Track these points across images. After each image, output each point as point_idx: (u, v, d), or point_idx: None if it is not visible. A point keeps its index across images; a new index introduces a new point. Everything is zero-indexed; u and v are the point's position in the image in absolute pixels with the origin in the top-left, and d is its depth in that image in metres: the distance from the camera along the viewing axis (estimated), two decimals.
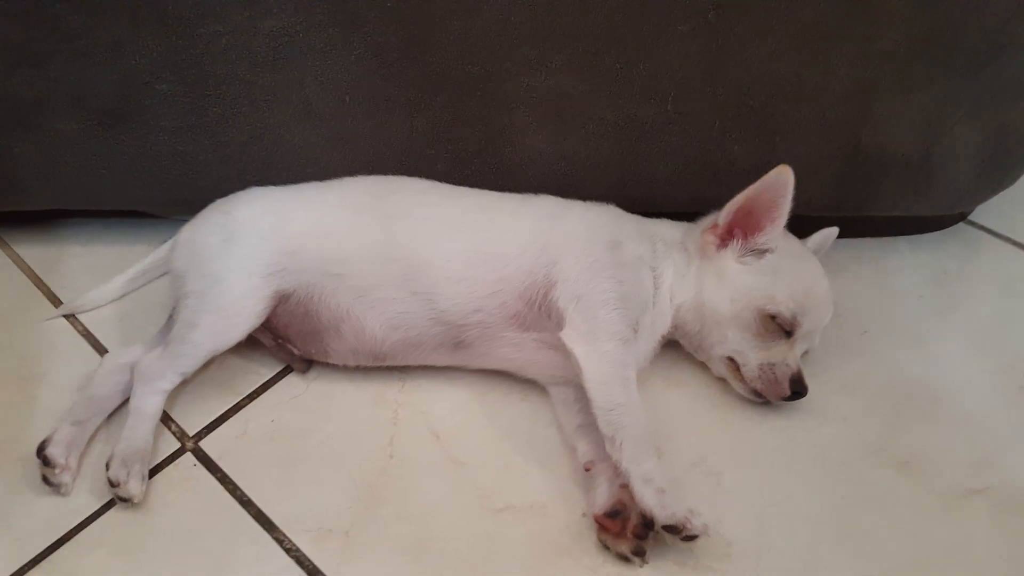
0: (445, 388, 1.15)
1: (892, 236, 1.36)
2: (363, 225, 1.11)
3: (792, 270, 1.08)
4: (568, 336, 1.03)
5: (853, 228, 1.34)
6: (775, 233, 1.06)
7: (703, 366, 1.16)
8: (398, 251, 1.09)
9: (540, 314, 1.07)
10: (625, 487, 0.96)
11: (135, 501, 1.00)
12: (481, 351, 1.10)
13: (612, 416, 0.98)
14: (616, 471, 0.97)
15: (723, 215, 1.07)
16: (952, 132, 1.16)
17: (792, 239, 1.12)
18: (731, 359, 1.10)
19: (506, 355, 1.09)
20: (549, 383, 1.12)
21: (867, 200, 1.23)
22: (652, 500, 0.92)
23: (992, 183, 1.24)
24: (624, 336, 1.03)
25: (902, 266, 1.32)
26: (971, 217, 1.40)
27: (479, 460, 1.07)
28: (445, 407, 1.13)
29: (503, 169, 1.20)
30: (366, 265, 1.09)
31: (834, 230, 1.21)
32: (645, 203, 1.23)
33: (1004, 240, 1.37)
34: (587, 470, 1.02)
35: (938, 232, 1.37)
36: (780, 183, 1.01)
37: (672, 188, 1.22)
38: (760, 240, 1.07)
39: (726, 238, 1.09)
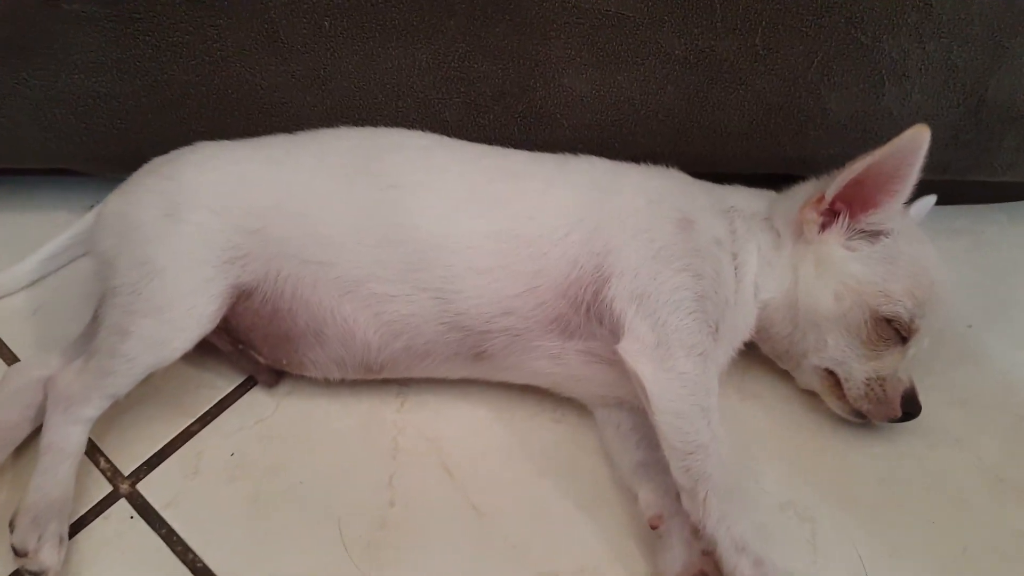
0: (457, 406, 0.91)
1: (986, 203, 1.13)
2: (352, 195, 0.83)
3: (912, 258, 0.84)
4: (629, 350, 0.78)
5: (943, 194, 1.10)
6: (894, 210, 0.82)
7: (782, 372, 0.93)
8: (400, 232, 0.82)
9: (589, 318, 0.82)
10: (708, 555, 0.74)
11: (50, 575, 0.73)
12: (507, 363, 0.85)
13: (692, 462, 0.74)
14: (694, 530, 0.74)
15: (834, 186, 0.81)
16: None
17: (908, 217, 0.88)
18: (830, 371, 0.87)
19: (541, 368, 0.85)
20: (596, 404, 0.88)
21: (981, 162, 0.99)
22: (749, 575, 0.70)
23: None
24: (704, 349, 0.78)
25: (1002, 240, 1.10)
26: None
27: (507, 507, 0.83)
28: (459, 432, 0.89)
29: (530, 119, 0.92)
30: (357, 250, 0.82)
31: (931, 199, 0.98)
32: (706, 162, 0.97)
33: None
34: (654, 527, 0.78)
35: None
36: (914, 147, 0.77)
37: (745, 144, 0.96)
38: (875, 219, 0.83)
39: (830, 216, 0.84)
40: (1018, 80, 0.90)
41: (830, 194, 0.82)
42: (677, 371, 0.77)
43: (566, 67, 0.87)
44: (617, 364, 0.80)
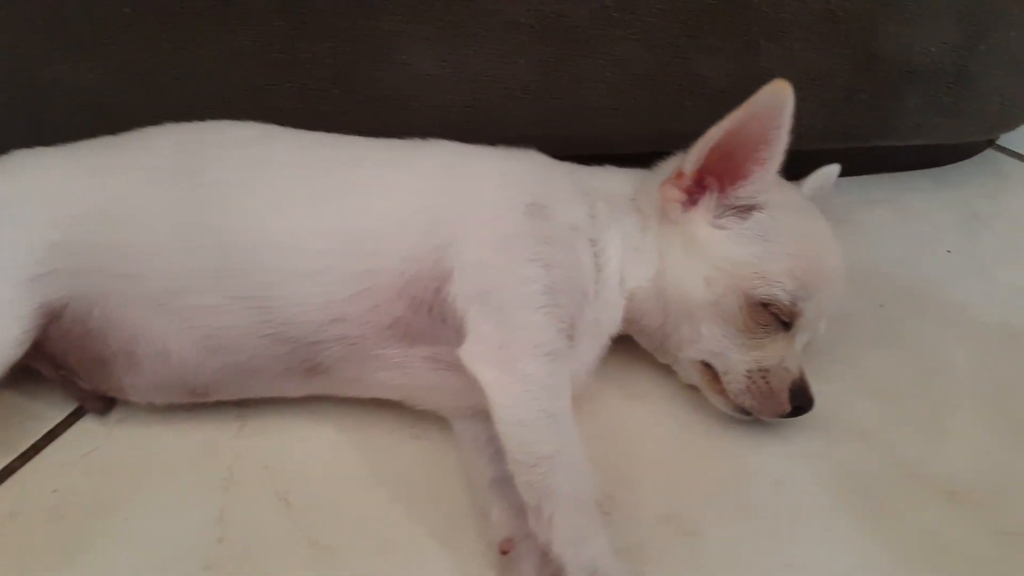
0: (303, 427, 0.82)
1: (905, 171, 1.04)
2: (164, 198, 0.75)
3: (791, 234, 0.75)
4: (470, 353, 0.69)
5: (858, 163, 1.02)
6: (766, 181, 0.73)
7: (669, 369, 0.84)
8: (213, 235, 0.73)
9: (432, 320, 0.73)
10: None
11: None
12: (347, 377, 0.76)
13: (536, 475, 0.65)
14: (543, 552, 0.65)
15: (691, 158, 0.73)
16: (1000, 30, 0.83)
17: (788, 188, 0.80)
18: (707, 364, 0.77)
19: (385, 380, 0.76)
20: (453, 416, 0.79)
21: (885, 125, 0.90)
22: None
23: None
24: (553, 348, 0.69)
25: (923, 210, 1.02)
26: (998, 141, 1.10)
27: (350, 539, 0.74)
28: (303, 457, 0.80)
29: (376, 103, 0.84)
30: (169, 258, 0.73)
31: (834, 168, 0.89)
32: (582, 143, 0.88)
33: None
34: (504, 552, 0.69)
35: (960, 163, 1.06)
36: (774, 107, 0.68)
37: (619, 120, 0.87)
38: (744, 192, 0.74)
39: (696, 192, 0.76)
40: (910, 29, 0.81)
41: (688, 167, 0.73)
42: (521, 374, 0.68)
43: (404, 43, 0.79)
44: (466, 369, 0.71)
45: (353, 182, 0.75)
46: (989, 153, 1.08)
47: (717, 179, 0.75)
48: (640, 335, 0.82)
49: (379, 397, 0.79)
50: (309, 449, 0.81)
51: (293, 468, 0.79)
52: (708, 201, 0.75)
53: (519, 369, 0.68)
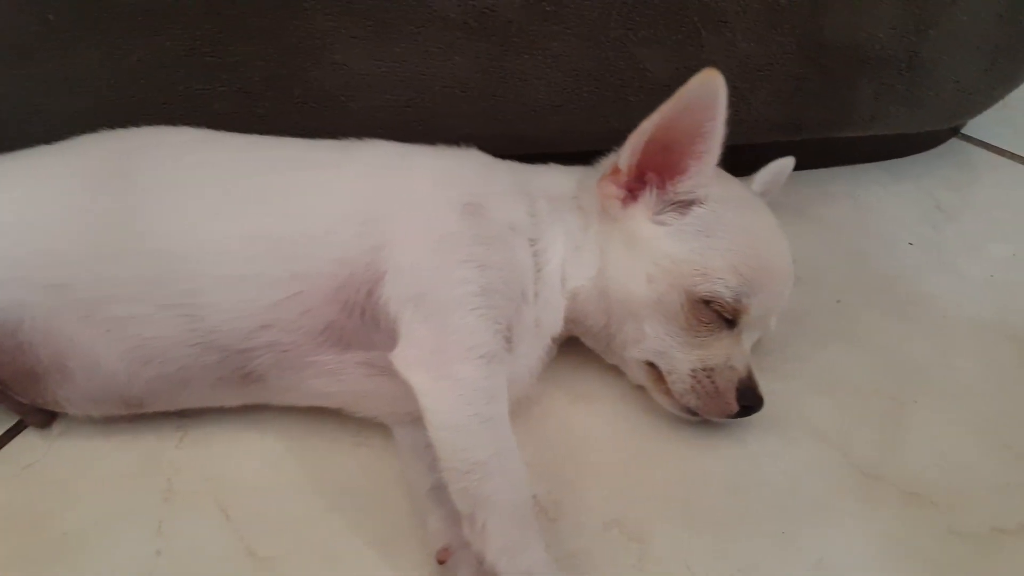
0: (244, 437, 0.80)
1: (866, 163, 1.02)
2: (95, 207, 0.73)
3: (732, 228, 0.73)
4: (402, 358, 0.67)
5: (816, 156, 0.99)
6: (704, 174, 0.71)
7: (618, 371, 0.82)
8: (140, 242, 0.71)
9: (365, 323, 0.71)
10: None
11: None
12: (282, 385, 0.74)
13: (469, 482, 0.63)
14: (478, 561, 0.63)
15: (624, 153, 0.71)
16: (949, 14, 0.81)
17: (731, 182, 0.77)
18: (652, 364, 0.75)
19: (320, 388, 0.74)
20: (392, 422, 0.77)
21: (838, 115, 0.88)
22: None
23: (1004, 80, 0.90)
24: (488, 351, 0.67)
25: (883, 203, 0.99)
26: (964, 131, 1.07)
27: (289, 550, 0.72)
28: (243, 467, 0.78)
29: (312, 104, 0.83)
30: (96, 267, 0.71)
31: (789, 161, 0.87)
32: (528, 142, 0.87)
33: (1009, 157, 1.04)
34: (440, 562, 0.67)
35: (924, 153, 1.04)
36: (706, 98, 0.66)
37: (564, 118, 0.85)
38: (684, 187, 0.72)
39: (635, 188, 0.74)
40: (856, 16, 0.79)
41: (623, 163, 0.71)
42: (454, 377, 0.66)
43: (336, 42, 0.77)
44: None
45: (283, 185, 0.73)
46: (955, 143, 1.06)
47: (657, 174, 0.73)
48: (585, 336, 0.80)
49: (316, 405, 0.77)
50: (250, 459, 0.79)
51: (234, 478, 0.78)
52: (648, 197, 0.73)
53: (452, 373, 0.66)
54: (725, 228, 0.72)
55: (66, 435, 0.82)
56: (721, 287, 0.71)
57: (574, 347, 0.83)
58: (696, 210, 0.73)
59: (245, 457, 0.79)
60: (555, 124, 0.85)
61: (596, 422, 0.80)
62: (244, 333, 0.71)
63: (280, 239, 0.71)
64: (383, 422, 0.78)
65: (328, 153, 0.77)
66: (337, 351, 0.72)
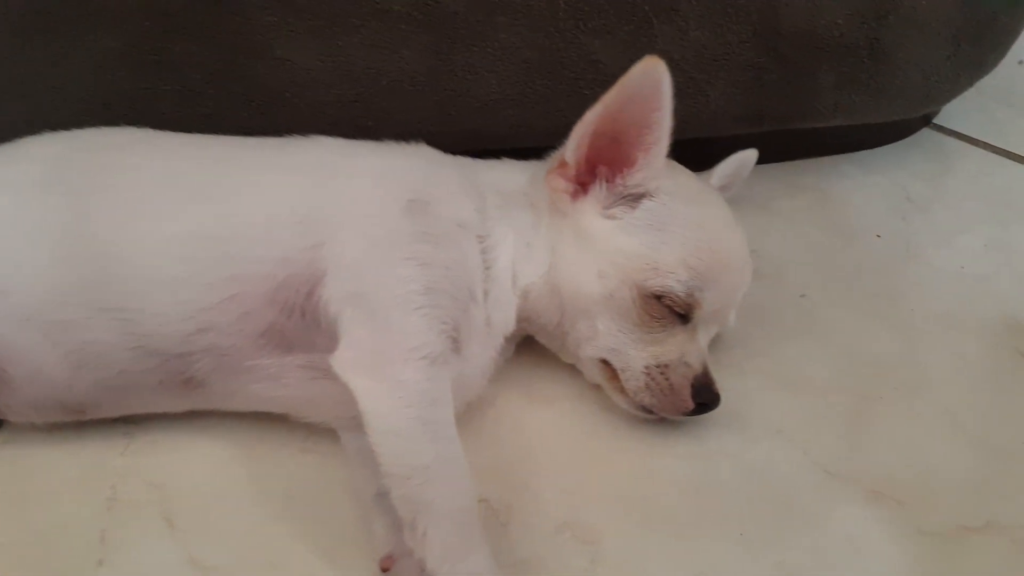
0: (191, 443, 0.78)
1: (835, 155, 1.00)
2: (33, 210, 0.71)
3: (684, 222, 0.71)
4: (342, 360, 0.65)
5: (783, 149, 0.97)
6: (654, 167, 0.69)
7: (575, 370, 0.80)
8: (77, 246, 0.69)
9: (305, 325, 0.69)
10: None
11: None
12: (224, 390, 0.72)
13: (410, 488, 0.62)
14: (420, 569, 0.61)
15: (570, 145, 0.69)
16: None
17: (683, 174, 0.75)
18: (606, 362, 0.73)
19: (261, 392, 0.72)
20: (340, 426, 0.75)
21: (800, 106, 0.86)
22: None
23: (970, 67, 0.87)
24: (432, 351, 0.65)
25: (851, 195, 0.97)
26: (936, 120, 1.05)
27: (236, 558, 0.70)
28: (190, 474, 0.76)
29: (258, 102, 0.81)
30: (32, 272, 0.69)
31: (751, 154, 0.85)
32: (482, 137, 0.85)
33: (982, 147, 1.02)
34: (384, 570, 0.65)
35: (895, 144, 1.02)
36: (648, 85, 0.64)
37: (518, 112, 0.84)
38: (633, 179, 0.70)
39: (585, 180, 0.72)
40: (813, 3, 0.77)
41: (569, 155, 0.69)
42: (395, 380, 0.64)
43: (278, 38, 0.75)
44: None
45: (220, 184, 0.71)
46: (927, 133, 1.04)
47: (608, 167, 0.71)
48: (540, 334, 0.78)
49: (261, 410, 0.75)
50: (196, 466, 0.77)
51: (179, 486, 0.75)
52: (598, 191, 0.71)
53: (393, 375, 0.64)
54: (676, 221, 0.70)
55: (10, 443, 0.79)
56: (672, 281, 0.69)
57: (531, 347, 0.81)
58: (646, 203, 0.70)
59: (192, 464, 0.77)
60: (509, 118, 0.83)
61: (552, 423, 0.78)
62: (182, 337, 0.69)
63: (217, 239, 0.69)
64: (330, 427, 0.76)
65: (268, 151, 0.75)
66: (278, 354, 0.70)
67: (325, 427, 0.76)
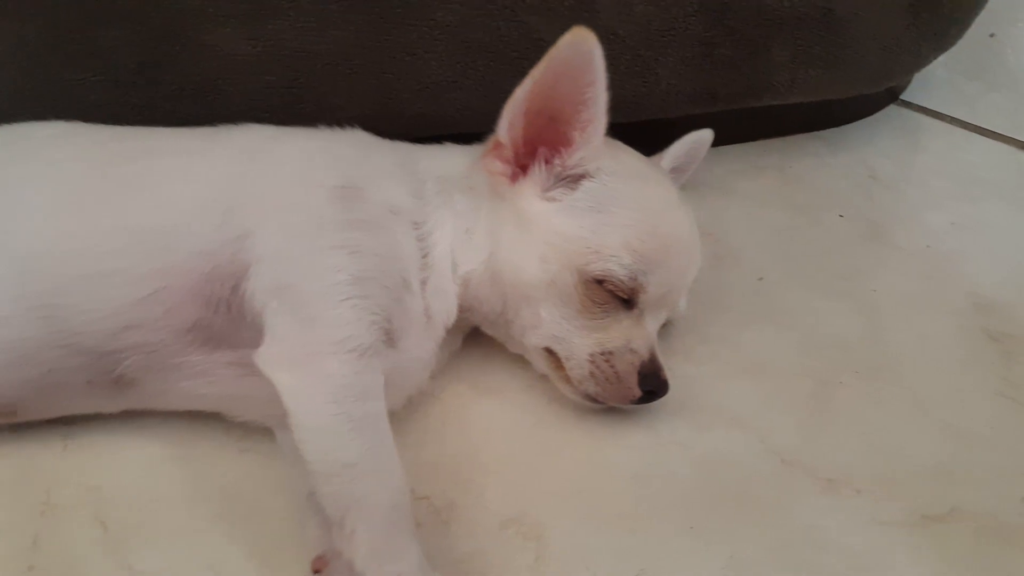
0: (129, 444, 0.75)
1: (799, 134, 0.97)
2: None
3: (625, 203, 0.68)
4: (266, 355, 0.63)
5: (745, 129, 0.94)
6: (592, 146, 0.67)
7: (525, 360, 0.77)
8: (2, 241, 0.67)
9: (231, 320, 0.66)
10: None
11: None
12: (155, 389, 0.69)
13: (337, 486, 0.59)
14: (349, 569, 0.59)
15: (503, 124, 0.66)
16: None
17: (625, 153, 0.73)
18: (550, 351, 0.71)
19: (192, 390, 0.69)
20: (275, 424, 0.72)
21: (756, 82, 0.83)
22: None
23: (932, 37, 0.84)
24: (360, 344, 0.63)
25: (814, 174, 0.94)
26: (904, 96, 1.02)
27: (170, 561, 0.68)
28: (125, 476, 0.73)
29: (189, 91, 0.78)
30: None
31: (706, 134, 0.82)
32: (427, 122, 0.82)
33: (950, 122, 0.99)
34: (316, 571, 0.63)
35: (862, 121, 0.98)
36: (577, 58, 0.61)
37: (462, 95, 0.81)
38: (572, 160, 0.67)
39: (526, 163, 0.69)
40: None
41: (503, 134, 0.66)
42: (321, 374, 0.62)
43: (202, 23, 0.73)
44: None
45: (145, 175, 0.69)
46: (893, 109, 1.01)
47: (548, 148, 0.68)
48: (484, 324, 0.75)
49: (194, 409, 0.73)
50: (134, 467, 0.74)
51: (116, 488, 0.72)
52: (537, 172, 0.68)
53: (318, 369, 0.62)
54: (618, 203, 0.68)
55: None
56: (615, 265, 0.66)
57: (479, 339, 0.79)
58: (586, 184, 0.68)
59: (129, 466, 0.74)
60: (452, 102, 0.80)
61: (499, 416, 0.75)
62: (108, 334, 0.66)
63: (141, 233, 0.66)
64: (266, 425, 0.73)
65: (196, 141, 0.72)
66: (206, 351, 0.67)
67: (262, 426, 0.74)
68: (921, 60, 0.87)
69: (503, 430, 0.75)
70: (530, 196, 0.68)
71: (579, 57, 0.60)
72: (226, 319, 0.66)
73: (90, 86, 0.77)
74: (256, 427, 0.75)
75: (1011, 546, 0.68)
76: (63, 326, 0.67)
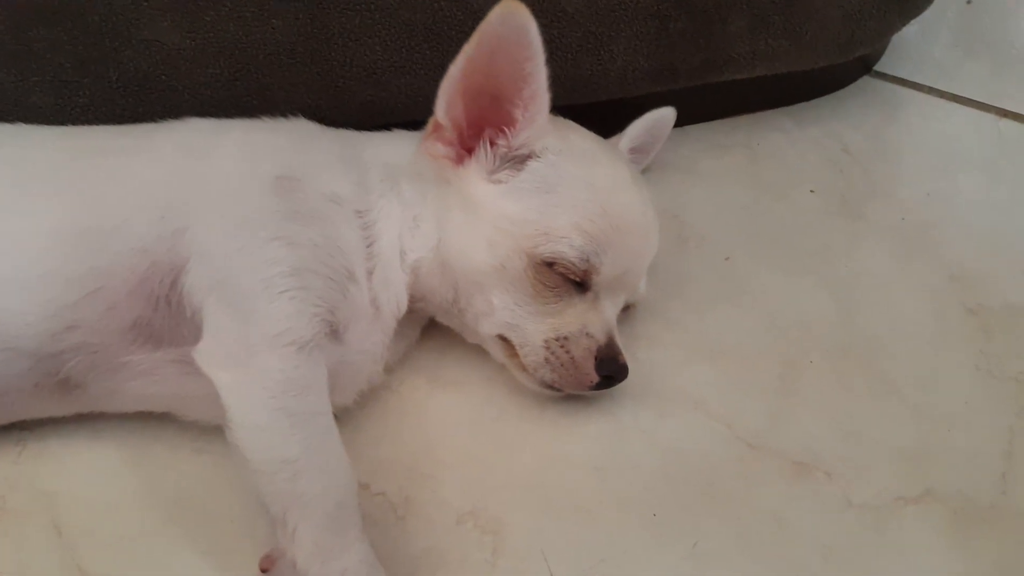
0: (85, 447, 0.74)
1: (767, 110, 0.94)
2: None
3: (574, 183, 0.66)
4: (204, 353, 0.61)
5: (711, 107, 0.92)
6: (536, 124, 0.64)
7: (485, 352, 0.75)
8: None
9: (172, 318, 0.65)
10: None
11: None
12: (102, 390, 0.68)
13: (278, 484, 0.58)
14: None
15: (440, 104, 0.64)
16: None
17: (573, 132, 0.70)
18: (505, 338, 0.68)
19: (137, 391, 0.67)
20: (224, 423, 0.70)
21: (715, 57, 0.81)
22: None
23: (898, 3, 0.81)
24: (300, 337, 0.61)
25: (783, 151, 0.91)
26: (877, 67, 0.99)
27: (124, 565, 0.67)
28: (82, 480, 0.72)
29: (132, 88, 0.76)
30: None
31: (667, 112, 0.79)
32: (377, 110, 0.80)
33: (928, 92, 0.96)
34: (263, 570, 0.61)
35: (833, 95, 0.96)
36: (510, 31, 0.59)
37: (410, 80, 0.79)
38: (516, 140, 0.65)
39: (471, 144, 0.67)
40: None
41: (441, 115, 0.64)
42: (258, 369, 0.60)
43: (138, 17, 0.71)
44: None
45: (82, 174, 0.67)
46: (866, 81, 0.97)
47: (493, 128, 0.66)
48: (438, 314, 0.73)
49: (143, 410, 0.71)
50: (89, 471, 0.73)
51: (71, 492, 0.71)
52: (482, 154, 0.66)
53: (256, 364, 0.60)
54: (566, 183, 0.65)
55: None
56: (565, 247, 0.64)
57: (437, 330, 0.77)
58: (532, 164, 0.65)
59: (85, 470, 0.73)
60: (399, 87, 0.78)
61: (457, 409, 0.74)
62: (50, 336, 0.65)
63: (78, 232, 0.65)
64: (218, 424, 0.72)
65: (136, 138, 0.71)
66: (148, 349, 0.66)
67: (214, 425, 0.73)
68: (888, 26, 0.84)
69: (461, 423, 0.73)
70: (476, 179, 0.66)
71: (512, 31, 0.58)
72: (166, 316, 0.65)
73: (32, 87, 0.75)
74: (210, 427, 0.74)
75: (988, 526, 0.65)
76: (4, 330, 0.65)
